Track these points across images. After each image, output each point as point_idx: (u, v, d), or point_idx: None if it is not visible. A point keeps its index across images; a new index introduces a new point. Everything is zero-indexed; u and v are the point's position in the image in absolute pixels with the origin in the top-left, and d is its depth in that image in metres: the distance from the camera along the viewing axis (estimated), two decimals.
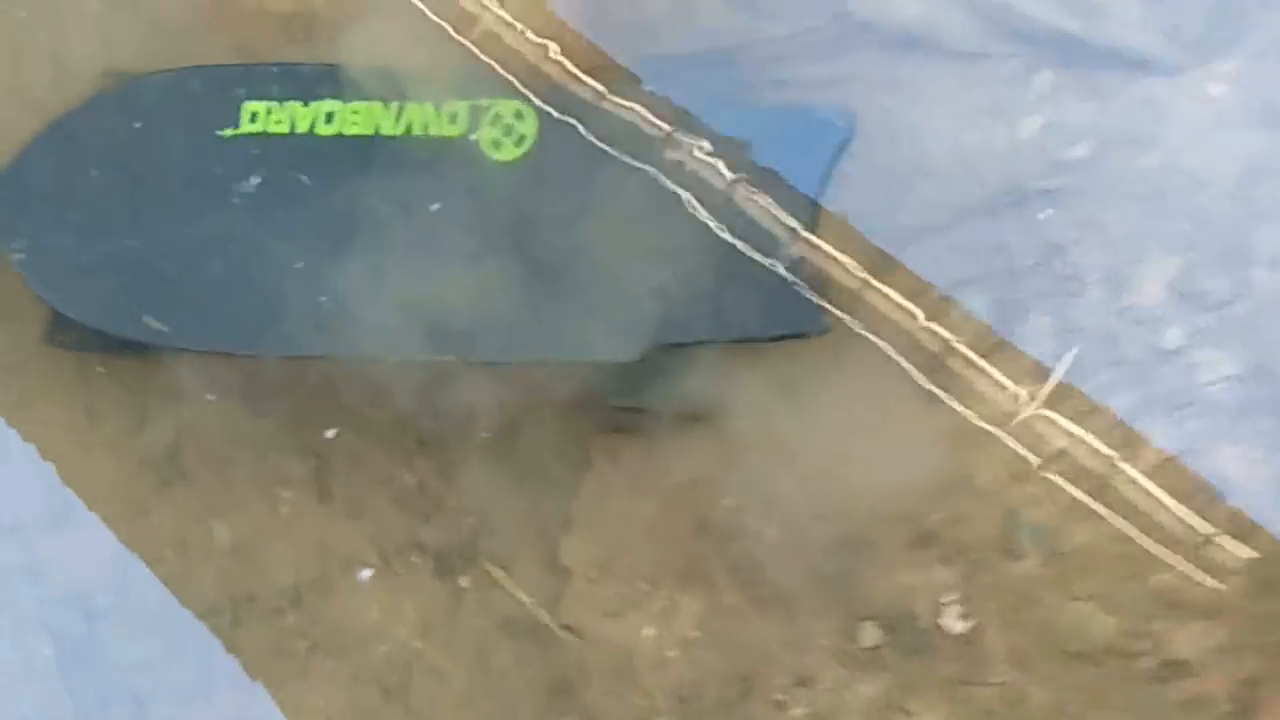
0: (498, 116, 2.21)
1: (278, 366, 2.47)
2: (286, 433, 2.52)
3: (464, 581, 2.38)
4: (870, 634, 2.02)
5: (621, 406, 2.15)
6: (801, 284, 1.98)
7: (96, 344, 2.54)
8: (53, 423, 2.65)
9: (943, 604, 1.97)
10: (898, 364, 2.01)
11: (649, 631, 2.19)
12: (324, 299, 2.25)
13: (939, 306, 2.04)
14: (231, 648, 2.45)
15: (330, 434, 2.50)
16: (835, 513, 2.06)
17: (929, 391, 2.00)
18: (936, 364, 2.02)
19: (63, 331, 2.54)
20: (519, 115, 2.20)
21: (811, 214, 2.04)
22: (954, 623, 1.95)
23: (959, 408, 1.98)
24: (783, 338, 2.03)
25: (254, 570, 2.51)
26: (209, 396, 2.55)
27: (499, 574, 2.35)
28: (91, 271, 2.43)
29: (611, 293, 2.06)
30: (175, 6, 2.63)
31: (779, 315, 2.02)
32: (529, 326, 2.14)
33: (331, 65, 2.36)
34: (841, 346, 2.04)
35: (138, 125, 2.46)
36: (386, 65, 2.30)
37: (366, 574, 2.44)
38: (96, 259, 2.43)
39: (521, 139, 2.19)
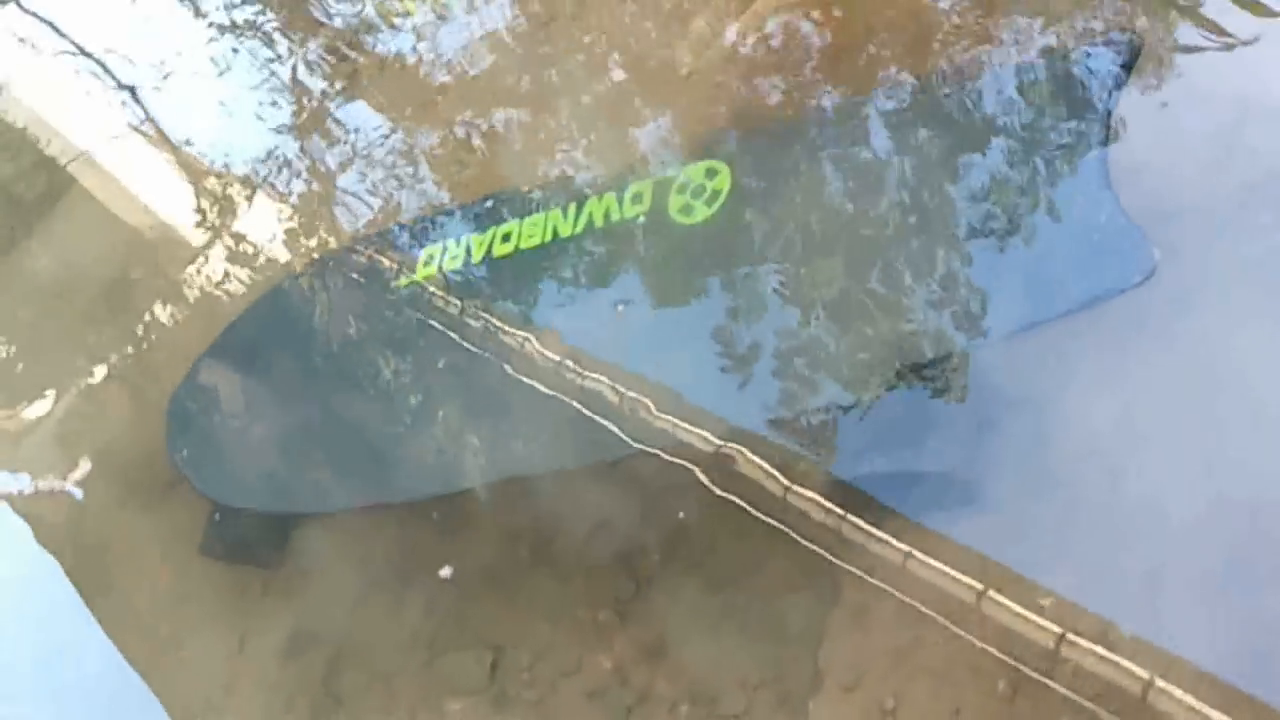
0: (686, 183, 1.90)
1: (438, 537, 2.06)
2: (458, 626, 2.03)
3: None
4: None
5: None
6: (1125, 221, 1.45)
7: (251, 549, 2.24)
8: (204, 657, 2.27)
9: None
10: None
11: None
12: (506, 424, 1.88)
13: None
14: None
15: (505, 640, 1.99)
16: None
17: None
18: None
19: (218, 537, 2.26)
20: (710, 173, 1.89)
21: None
22: None
23: None
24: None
25: None
26: (371, 591, 2.13)
27: None
28: (254, 457, 2.19)
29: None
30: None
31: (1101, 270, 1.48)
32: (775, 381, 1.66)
33: (506, 191, 2.17)
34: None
35: (313, 305, 2.31)
36: (562, 174, 2.09)
37: None
38: (261, 444, 2.19)
39: (715, 196, 1.86)
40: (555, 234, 2.03)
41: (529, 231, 2.07)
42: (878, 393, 1.58)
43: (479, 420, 1.91)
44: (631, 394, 1.77)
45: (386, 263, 2.26)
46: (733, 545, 1.88)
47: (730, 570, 1.86)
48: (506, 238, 2.09)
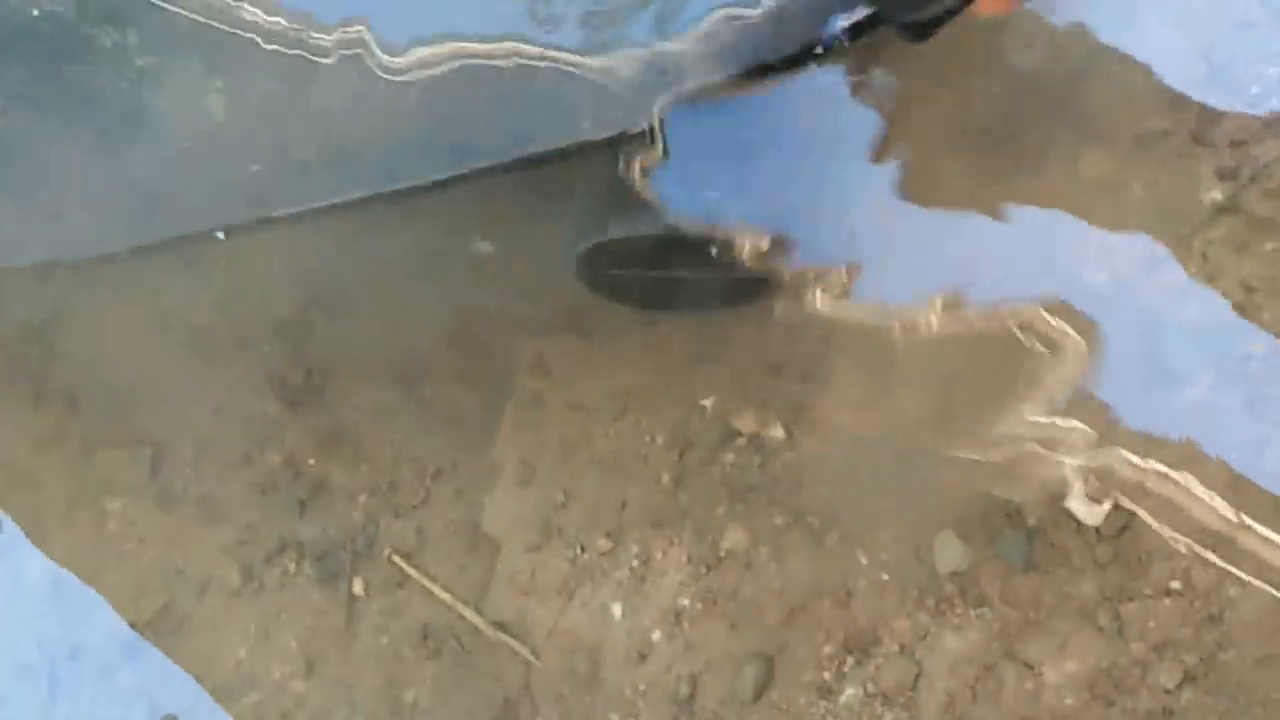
0: None
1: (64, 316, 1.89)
2: (109, 421, 1.91)
3: (358, 586, 1.72)
4: (951, 551, 1.33)
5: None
6: None
7: None
8: None
9: (1065, 482, 1.28)
10: None
11: (617, 609, 1.51)
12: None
13: None
14: None
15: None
16: (868, 379, 1.40)
17: None
18: None
19: None
20: None
21: None
22: (1085, 506, 1.26)
23: None
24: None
25: (78, 614, 1.86)
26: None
27: (404, 566, 1.69)
28: None
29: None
30: None
31: None
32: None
33: None
34: None
35: None
36: None
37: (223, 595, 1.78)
38: None
39: None
40: None
41: None
42: None
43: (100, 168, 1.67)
44: None
45: None
46: (410, 318, 1.81)
47: (406, 349, 1.81)
48: None
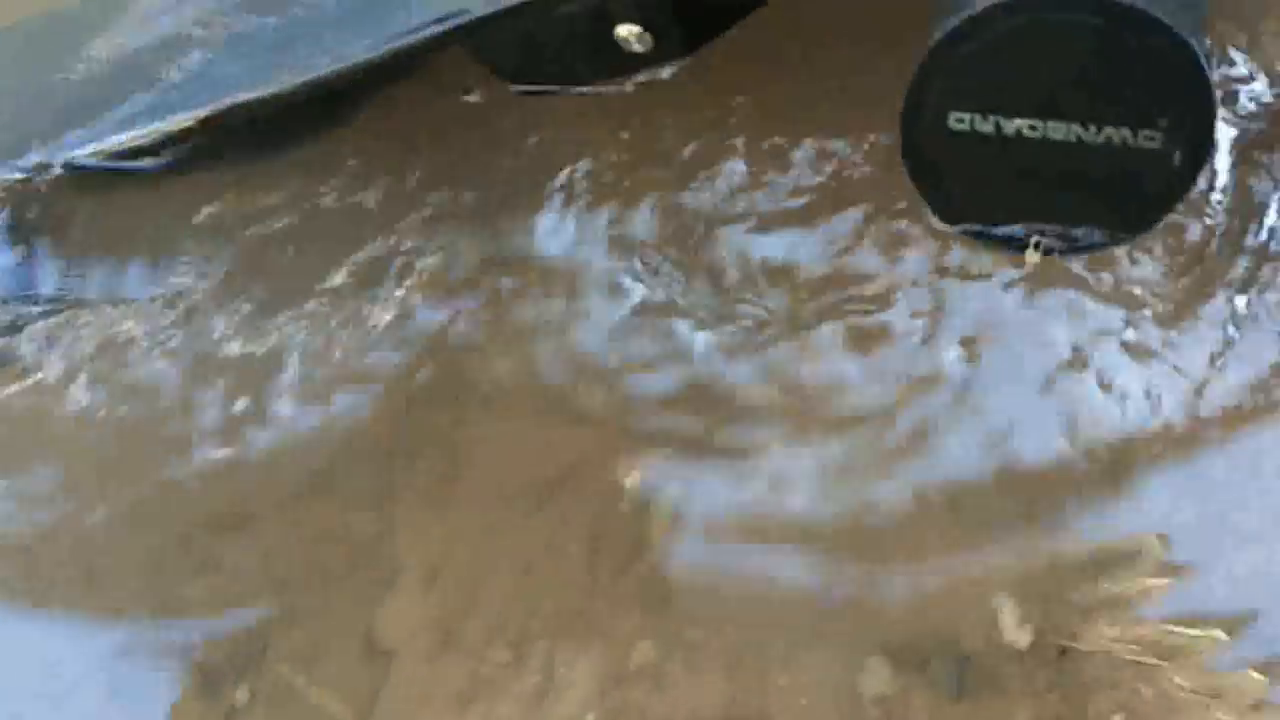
0: None
1: None
2: None
3: (241, 695, 1.58)
4: (878, 677, 1.23)
5: None
6: None
7: None
8: None
9: (997, 607, 1.20)
10: None
11: None
12: None
13: None
14: None
15: None
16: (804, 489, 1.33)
17: None
18: None
19: None
20: None
21: None
22: (1018, 633, 1.17)
23: None
24: None
25: None
26: None
27: (292, 676, 1.56)
28: None
29: None
30: None
31: None
32: None
33: None
34: None
35: None
36: None
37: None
38: None
39: None
40: None
41: None
42: None
43: None
44: None
45: None
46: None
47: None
48: None
